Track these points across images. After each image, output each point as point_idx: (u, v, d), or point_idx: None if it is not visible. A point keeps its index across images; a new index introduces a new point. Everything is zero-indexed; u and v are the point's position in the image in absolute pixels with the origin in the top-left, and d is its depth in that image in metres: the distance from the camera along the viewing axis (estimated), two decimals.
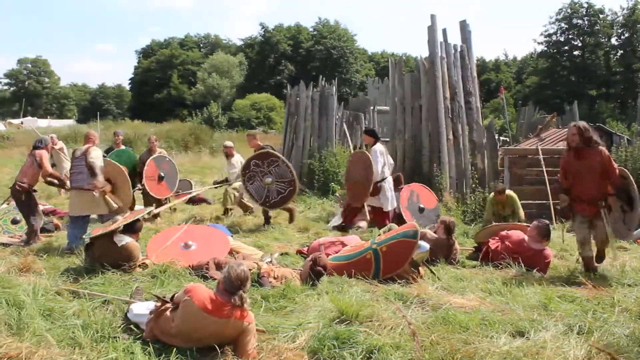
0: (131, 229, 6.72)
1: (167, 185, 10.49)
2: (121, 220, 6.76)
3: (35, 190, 8.32)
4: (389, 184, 9.24)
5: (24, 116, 59.96)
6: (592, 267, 6.67)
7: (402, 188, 9.86)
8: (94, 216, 8.43)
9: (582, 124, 6.59)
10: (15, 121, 49.04)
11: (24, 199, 8.04)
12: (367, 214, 9.68)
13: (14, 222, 8.95)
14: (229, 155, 11.21)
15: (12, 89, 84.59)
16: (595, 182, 6.47)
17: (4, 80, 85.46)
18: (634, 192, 6.57)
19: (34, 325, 4.39)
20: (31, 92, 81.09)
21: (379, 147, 9.23)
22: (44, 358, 3.86)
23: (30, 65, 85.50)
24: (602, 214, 6.51)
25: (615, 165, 6.57)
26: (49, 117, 67.68)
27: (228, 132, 38.01)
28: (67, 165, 10.88)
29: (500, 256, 7.02)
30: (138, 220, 6.87)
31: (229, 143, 11.64)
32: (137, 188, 10.10)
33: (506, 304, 5.36)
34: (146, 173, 10.16)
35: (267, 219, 9.87)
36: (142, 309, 4.56)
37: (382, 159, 9.11)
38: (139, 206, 9.86)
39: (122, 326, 4.52)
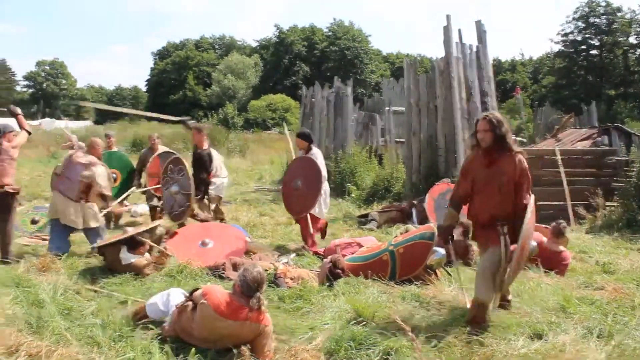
0: (133, 245, 6.47)
1: None
2: (130, 232, 6.74)
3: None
4: (325, 192, 8.12)
5: (42, 117, 60.66)
6: (479, 319, 4.72)
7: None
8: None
9: (495, 115, 4.82)
10: (34, 122, 49.57)
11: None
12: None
13: (33, 222, 9.04)
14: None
15: (30, 90, 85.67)
16: (496, 199, 4.76)
17: (23, 83, 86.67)
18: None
19: (54, 324, 4.44)
20: (49, 93, 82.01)
21: (317, 150, 8.25)
22: (63, 356, 3.90)
23: (48, 68, 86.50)
24: (502, 242, 4.78)
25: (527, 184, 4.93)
26: (66, 118, 68.41)
27: (244, 132, 38.04)
28: None
29: None
30: (135, 237, 6.55)
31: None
32: (134, 187, 9.93)
33: (523, 306, 5.32)
34: (149, 170, 9.91)
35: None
36: (166, 301, 4.61)
37: (323, 164, 7.99)
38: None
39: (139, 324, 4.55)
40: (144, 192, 10.18)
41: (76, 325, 4.53)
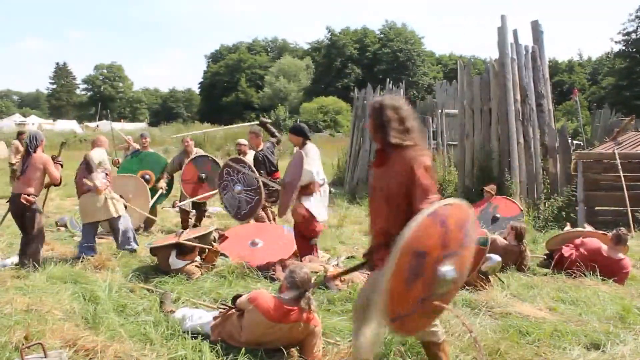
0: (183, 251, 6.49)
1: (209, 186, 9.63)
2: (183, 235, 6.75)
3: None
4: (324, 191, 7.14)
5: (100, 120, 62.52)
6: None
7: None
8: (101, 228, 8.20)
9: (381, 99, 3.55)
10: (92, 124, 51.22)
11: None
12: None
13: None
14: (242, 153, 9.94)
15: (89, 93, 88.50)
16: (384, 210, 3.43)
17: (82, 86, 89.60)
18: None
19: (109, 320, 4.57)
20: (106, 96, 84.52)
21: (312, 147, 7.22)
22: (117, 352, 4.00)
23: (105, 71, 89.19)
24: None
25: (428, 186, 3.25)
26: (122, 120, 70.33)
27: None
28: None
29: (575, 264, 6.76)
30: (183, 244, 6.51)
31: (243, 141, 10.78)
32: (161, 189, 9.80)
33: (580, 315, 5.17)
34: (183, 176, 9.67)
35: None
36: (200, 317, 4.64)
37: (314, 162, 7.02)
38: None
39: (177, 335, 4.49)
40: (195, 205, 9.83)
41: (130, 322, 4.65)
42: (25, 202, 6.60)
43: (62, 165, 7.17)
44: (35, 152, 6.77)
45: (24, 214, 6.71)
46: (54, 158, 7.09)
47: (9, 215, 7.22)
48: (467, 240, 3.14)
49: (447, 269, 2.98)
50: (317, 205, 6.81)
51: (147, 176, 9.59)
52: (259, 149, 9.16)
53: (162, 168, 9.90)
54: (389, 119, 3.40)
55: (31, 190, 6.68)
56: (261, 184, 8.20)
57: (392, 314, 3.01)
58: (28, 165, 6.71)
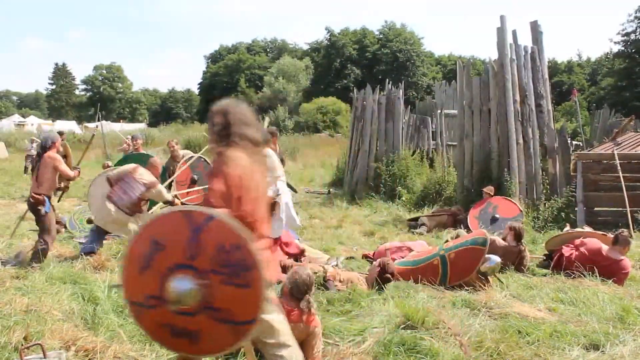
0: None
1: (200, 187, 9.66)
2: None
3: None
4: (284, 199, 6.64)
5: (99, 120, 62.51)
6: None
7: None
8: None
9: (221, 103, 3.32)
10: (91, 125, 51.13)
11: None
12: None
13: (90, 221, 9.33)
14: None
15: (88, 94, 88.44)
16: None
17: (82, 86, 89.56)
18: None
19: (108, 321, 4.56)
20: (105, 97, 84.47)
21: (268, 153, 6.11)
22: (116, 352, 4.01)
23: (105, 72, 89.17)
24: None
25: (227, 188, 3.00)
26: (121, 120, 70.31)
27: (295, 135, 38.30)
28: None
29: (574, 265, 6.77)
30: None
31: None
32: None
33: (579, 315, 5.17)
34: (177, 177, 9.61)
35: None
36: None
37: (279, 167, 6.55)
38: None
39: None
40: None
41: (129, 323, 4.63)
42: (33, 201, 6.80)
43: (79, 173, 7.57)
44: (47, 152, 6.97)
45: (36, 211, 6.87)
46: (74, 168, 7.51)
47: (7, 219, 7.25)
48: (226, 272, 2.70)
49: (179, 279, 2.70)
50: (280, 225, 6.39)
51: None
52: (277, 150, 9.16)
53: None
54: (215, 123, 3.23)
55: (42, 189, 6.85)
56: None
57: (125, 293, 2.94)
58: (40, 165, 6.93)
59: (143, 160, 9.42)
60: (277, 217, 6.16)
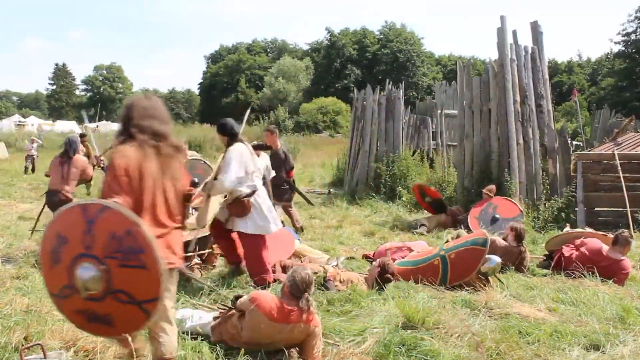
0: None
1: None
2: (184, 237, 6.75)
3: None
4: (262, 199, 6.13)
5: (99, 120, 62.54)
6: None
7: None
8: None
9: (131, 98, 3.77)
10: (91, 125, 51.11)
11: None
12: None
13: None
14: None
15: (88, 94, 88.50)
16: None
17: (82, 87, 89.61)
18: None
19: None
20: (106, 97, 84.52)
21: (238, 148, 5.95)
22: (116, 353, 3.99)
23: (105, 72, 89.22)
24: None
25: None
26: None
27: (295, 135, 38.33)
28: None
29: (574, 265, 6.77)
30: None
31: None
32: None
33: (579, 316, 5.17)
34: None
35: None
36: (200, 317, 4.63)
37: (238, 167, 5.82)
38: None
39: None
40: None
41: None
42: (64, 198, 7.41)
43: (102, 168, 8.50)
44: (74, 155, 7.86)
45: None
46: (97, 157, 9.06)
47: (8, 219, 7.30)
48: (120, 256, 2.95)
49: (83, 268, 2.95)
50: (256, 221, 5.98)
51: None
52: (278, 146, 9.27)
53: None
54: (120, 117, 3.49)
55: (69, 187, 7.72)
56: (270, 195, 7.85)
57: (46, 287, 3.22)
58: (69, 166, 7.76)
59: None
60: (250, 215, 5.93)
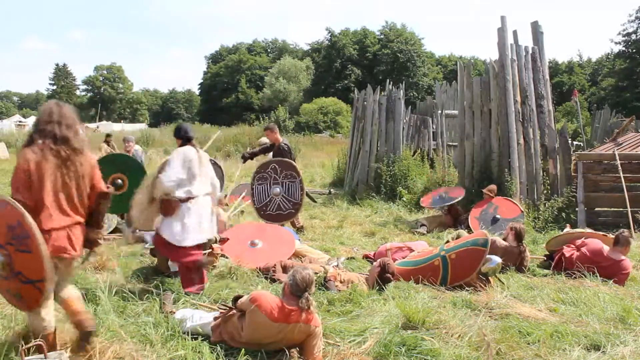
0: None
1: None
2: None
3: None
4: (197, 208, 5.81)
5: (100, 121, 62.67)
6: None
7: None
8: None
9: (45, 104, 4.14)
10: (92, 125, 51.26)
11: None
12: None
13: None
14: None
15: (89, 94, 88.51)
16: None
17: (82, 87, 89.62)
18: None
19: (109, 321, 4.55)
20: (106, 97, 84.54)
21: (185, 151, 5.87)
22: (117, 353, 3.99)
23: (105, 72, 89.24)
24: None
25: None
26: (122, 121, 70.39)
27: (295, 135, 38.30)
28: None
29: (575, 265, 6.77)
30: None
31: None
32: None
33: (580, 316, 5.16)
34: None
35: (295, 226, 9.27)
36: (200, 317, 4.63)
37: (180, 167, 5.72)
38: None
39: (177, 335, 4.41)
40: None
41: (130, 323, 4.64)
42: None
43: None
44: None
45: None
46: None
47: None
48: (14, 242, 3.54)
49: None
50: (173, 227, 5.73)
51: (120, 181, 8.17)
52: (281, 141, 9.43)
53: (137, 171, 8.25)
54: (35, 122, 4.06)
55: None
56: (302, 202, 8.60)
57: None
58: None
59: (118, 161, 8.77)
60: (171, 218, 5.73)
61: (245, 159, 9.82)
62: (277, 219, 8.80)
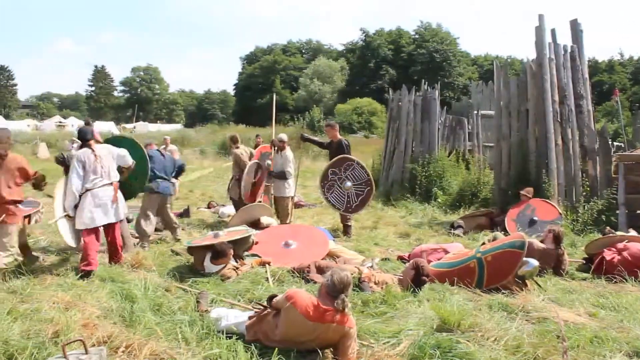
0: (217, 254, 6.51)
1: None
2: (220, 237, 6.90)
3: None
4: (91, 197, 6.55)
5: (136, 121, 63.75)
6: None
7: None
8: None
9: None
10: (129, 126, 52.19)
11: None
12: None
13: (128, 220, 9.47)
14: (281, 149, 10.04)
15: (126, 95, 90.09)
16: None
17: (120, 88, 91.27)
18: None
19: (145, 319, 4.62)
20: (143, 98, 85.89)
21: (80, 152, 6.68)
22: (152, 350, 4.05)
23: (142, 73, 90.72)
24: None
25: None
26: (158, 121, 71.44)
27: None
28: None
29: (616, 269, 6.60)
30: (217, 247, 6.54)
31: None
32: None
33: (621, 321, 5.03)
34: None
35: (347, 230, 9.47)
36: (235, 316, 4.66)
37: (77, 168, 6.51)
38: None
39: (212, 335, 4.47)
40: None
41: (165, 321, 4.70)
42: None
43: None
44: None
45: None
46: None
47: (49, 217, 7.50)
48: None
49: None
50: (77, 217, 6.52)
51: None
52: (338, 138, 9.80)
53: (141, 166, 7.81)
54: None
55: None
56: (371, 176, 9.16)
57: None
58: None
59: (123, 143, 8.21)
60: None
61: (304, 139, 10.48)
62: (362, 204, 9.35)
